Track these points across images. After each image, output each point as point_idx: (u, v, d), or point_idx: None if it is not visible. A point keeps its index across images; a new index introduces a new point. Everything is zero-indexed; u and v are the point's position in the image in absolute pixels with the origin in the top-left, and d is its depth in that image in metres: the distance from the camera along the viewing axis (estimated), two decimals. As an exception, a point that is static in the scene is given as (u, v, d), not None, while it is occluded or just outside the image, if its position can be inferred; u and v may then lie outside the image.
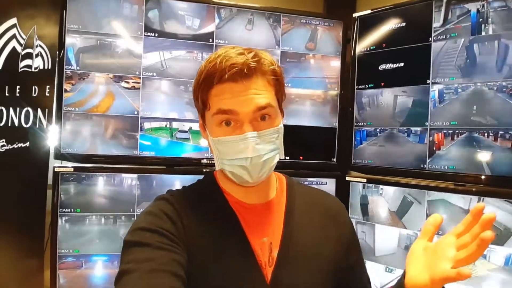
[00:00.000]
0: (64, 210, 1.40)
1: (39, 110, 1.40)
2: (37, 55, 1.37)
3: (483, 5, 1.28)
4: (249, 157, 0.67)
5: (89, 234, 1.42)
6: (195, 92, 0.73)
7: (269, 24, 1.59)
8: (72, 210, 1.41)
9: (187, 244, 0.67)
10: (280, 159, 0.73)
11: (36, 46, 1.36)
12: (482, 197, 1.24)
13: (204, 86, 0.69)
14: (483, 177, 1.26)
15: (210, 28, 1.53)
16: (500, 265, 1.18)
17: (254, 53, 0.68)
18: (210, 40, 1.53)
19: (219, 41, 1.54)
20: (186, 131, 1.52)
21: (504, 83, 1.23)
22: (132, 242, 0.65)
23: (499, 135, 1.23)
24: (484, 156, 1.26)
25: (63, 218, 1.40)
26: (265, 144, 0.68)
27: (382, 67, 1.53)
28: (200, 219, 0.71)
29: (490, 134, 1.25)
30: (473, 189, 1.27)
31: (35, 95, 1.38)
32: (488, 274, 1.20)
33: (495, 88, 1.25)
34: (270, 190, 0.78)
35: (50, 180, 1.43)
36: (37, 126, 1.39)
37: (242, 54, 0.67)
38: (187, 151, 1.52)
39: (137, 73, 1.47)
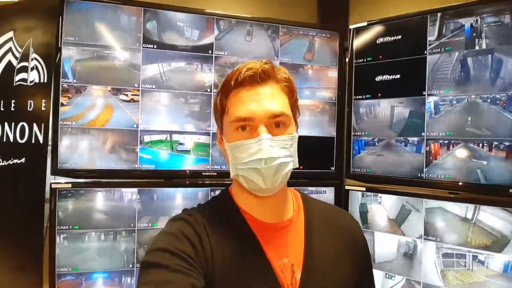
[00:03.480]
0: (62, 227, 1.36)
1: (34, 125, 1.35)
2: (32, 68, 1.32)
3: (477, 20, 1.33)
4: (263, 158, 0.68)
5: (89, 251, 1.39)
6: (216, 100, 0.76)
7: (268, 35, 1.59)
8: (71, 227, 1.37)
9: (206, 267, 0.67)
10: (293, 168, 0.74)
11: (32, 59, 1.32)
12: (478, 205, 1.29)
13: (224, 89, 0.74)
14: (478, 185, 1.31)
15: (209, 39, 1.52)
16: (498, 271, 1.23)
17: (269, 62, 0.74)
18: (210, 52, 1.52)
19: (219, 52, 1.53)
20: (186, 143, 1.51)
21: (497, 96, 1.28)
22: (151, 263, 0.65)
23: (493, 145, 1.29)
24: (479, 166, 1.31)
25: (61, 236, 1.36)
26: (279, 149, 0.70)
27: (378, 78, 1.56)
28: (219, 240, 0.71)
29: (485, 144, 1.30)
30: (469, 197, 1.32)
31: (30, 109, 1.33)
32: (486, 280, 1.25)
33: (488, 101, 1.30)
34: (287, 207, 0.79)
35: (47, 196, 1.38)
36: (33, 142, 1.35)
37: (258, 62, 0.73)
38: (188, 164, 1.51)
39: (136, 85, 1.45)
